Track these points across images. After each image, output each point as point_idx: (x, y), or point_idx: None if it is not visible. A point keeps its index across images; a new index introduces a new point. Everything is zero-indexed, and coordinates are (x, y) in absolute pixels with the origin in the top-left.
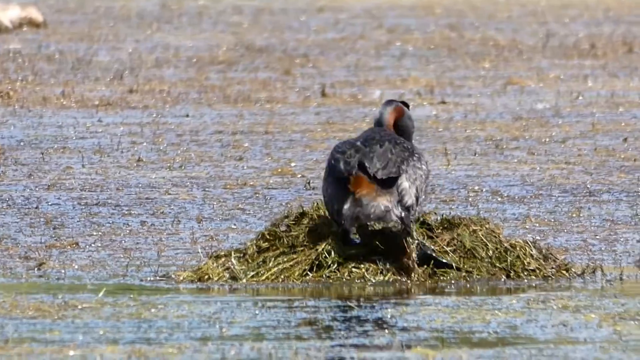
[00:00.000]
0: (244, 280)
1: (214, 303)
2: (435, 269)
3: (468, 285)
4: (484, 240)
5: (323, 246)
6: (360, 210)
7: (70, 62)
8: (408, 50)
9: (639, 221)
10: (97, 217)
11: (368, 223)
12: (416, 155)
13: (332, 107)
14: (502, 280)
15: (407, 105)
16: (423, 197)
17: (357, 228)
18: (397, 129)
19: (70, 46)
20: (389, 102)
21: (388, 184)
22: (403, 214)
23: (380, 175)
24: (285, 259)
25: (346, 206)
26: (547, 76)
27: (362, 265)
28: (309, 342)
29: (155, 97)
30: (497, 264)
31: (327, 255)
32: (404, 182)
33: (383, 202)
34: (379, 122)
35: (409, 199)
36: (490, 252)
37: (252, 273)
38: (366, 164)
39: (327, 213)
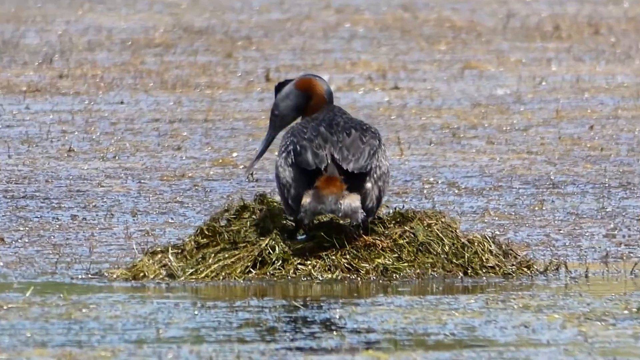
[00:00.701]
0: (182, 278)
1: (150, 303)
2: None
3: (423, 284)
4: (440, 235)
5: (266, 241)
6: (322, 207)
7: None
8: (358, 32)
9: (605, 215)
10: (25, 210)
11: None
12: (383, 145)
13: None
14: (459, 278)
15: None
16: (385, 197)
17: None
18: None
19: None
20: (316, 76)
21: (356, 179)
22: (363, 217)
23: (352, 168)
24: (226, 256)
25: (307, 200)
26: (507, 60)
27: (308, 262)
28: (252, 345)
29: (87, 82)
30: (454, 261)
31: (270, 251)
32: (367, 183)
33: (353, 201)
34: (330, 97)
35: (370, 202)
36: (447, 247)
37: (190, 270)
38: (337, 158)
39: (279, 197)
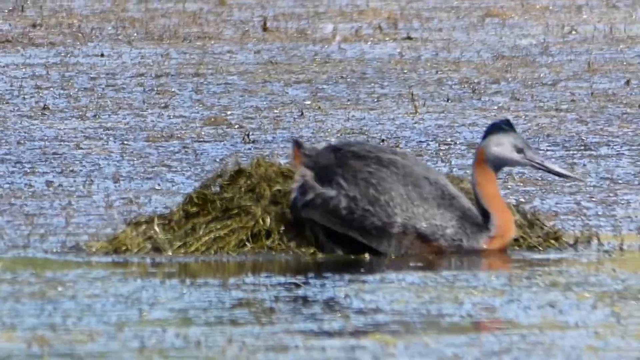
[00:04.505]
0: (169, 253)
1: (133, 280)
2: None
3: (438, 259)
4: None
5: (262, 210)
6: None
7: None
8: None
9: None
10: None
11: None
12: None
13: (275, 44)
14: None
15: (498, 127)
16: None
17: None
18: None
19: None
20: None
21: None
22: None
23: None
24: (218, 227)
25: None
26: (533, 6)
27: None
28: (245, 327)
29: (63, 32)
30: None
31: (268, 222)
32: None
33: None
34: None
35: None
36: None
37: (178, 244)
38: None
39: None
